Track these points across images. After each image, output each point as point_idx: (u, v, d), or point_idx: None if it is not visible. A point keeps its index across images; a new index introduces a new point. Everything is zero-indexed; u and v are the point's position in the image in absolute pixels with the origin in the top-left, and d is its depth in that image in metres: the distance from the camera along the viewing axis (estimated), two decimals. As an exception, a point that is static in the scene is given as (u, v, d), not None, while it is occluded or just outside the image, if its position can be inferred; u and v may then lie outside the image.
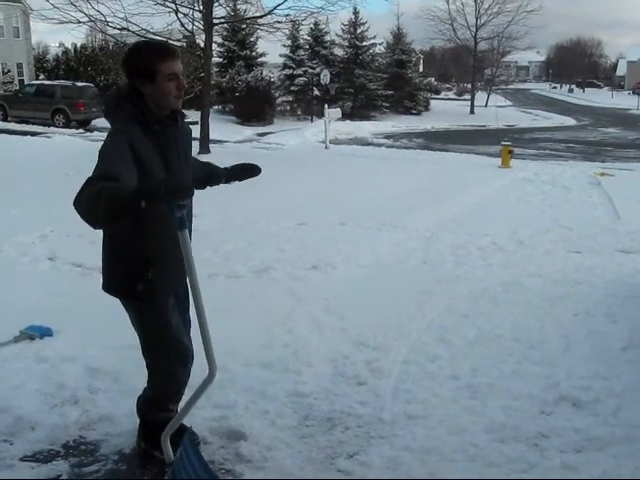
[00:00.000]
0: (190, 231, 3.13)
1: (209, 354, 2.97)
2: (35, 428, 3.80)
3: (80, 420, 3.89)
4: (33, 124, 27.28)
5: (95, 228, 2.76)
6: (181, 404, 3.43)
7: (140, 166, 2.90)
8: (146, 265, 3.15)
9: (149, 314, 3.28)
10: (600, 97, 76.10)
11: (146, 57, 3.04)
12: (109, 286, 3.30)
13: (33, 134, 23.32)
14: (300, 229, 9.42)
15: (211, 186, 3.76)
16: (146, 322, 3.31)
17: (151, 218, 2.94)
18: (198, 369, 3.22)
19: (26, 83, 34.58)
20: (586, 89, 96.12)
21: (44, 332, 5.05)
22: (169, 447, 3.13)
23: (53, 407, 4.04)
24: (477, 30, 47.33)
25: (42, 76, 40.01)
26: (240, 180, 3.84)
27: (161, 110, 3.07)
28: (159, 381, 3.47)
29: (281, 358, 4.82)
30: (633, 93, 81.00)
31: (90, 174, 2.77)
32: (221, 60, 37.74)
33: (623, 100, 69.69)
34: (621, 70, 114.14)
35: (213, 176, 3.72)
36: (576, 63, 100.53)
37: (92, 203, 2.63)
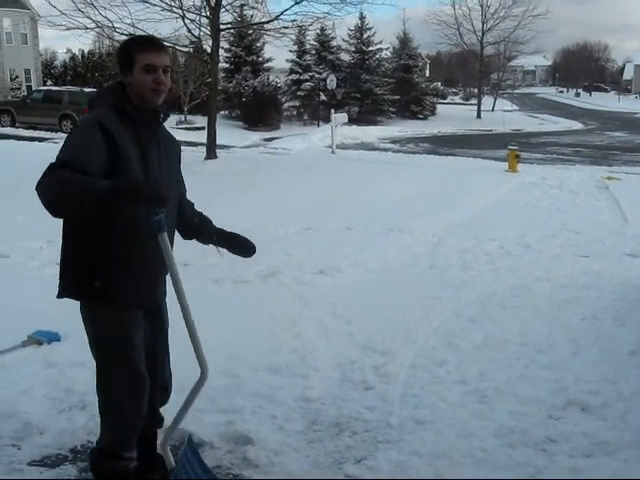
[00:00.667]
0: (172, 235, 3.07)
1: (199, 355, 2.96)
2: (43, 433, 3.79)
3: (88, 425, 3.88)
4: (41, 130, 27.41)
5: (56, 216, 2.71)
6: (175, 409, 3.25)
7: (116, 152, 2.81)
8: (107, 263, 2.94)
9: (106, 324, 3.01)
10: (607, 101, 75.99)
11: (127, 48, 3.03)
12: (64, 286, 3.04)
13: (41, 140, 23.44)
14: (307, 234, 9.43)
15: (198, 239, 3.52)
16: (101, 333, 3.05)
17: (119, 214, 2.81)
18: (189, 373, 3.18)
19: (34, 89, 34.80)
20: (593, 93, 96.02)
21: (52, 337, 5.06)
22: (169, 454, 3.14)
23: (61, 412, 4.05)
24: (483, 35, 47.32)
25: (50, 82, 40.19)
26: (230, 250, 3.49)
27: (141, 103, 2.98)
28: (108, 416, 3.15)
29: (289, 363, 4.81)
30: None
31: None
32: (228, 65, 37.89)
33: (630, 104, 69.62)
34: (628, 74, 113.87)
35: (204, 229, 3.47)
36: (583, 67, 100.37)
37: (56, 192, 2.59)
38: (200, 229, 3.46)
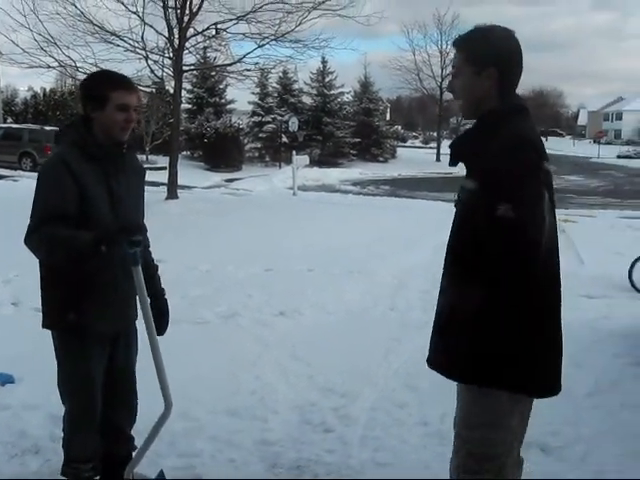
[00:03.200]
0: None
1: (164, 389, 3.01)
2: (-7, 479, 3.69)
3: (41, 470, 3.78)
4: (0, 167, 27.09)
5: (48, 263, 2.98)
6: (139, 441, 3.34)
7: (82, 190, 2.90)
8: (81, 295, 3.04)
9: (69, 352, 3.17)
10: (562, 145, 77.75)
11: (100, 83, 3.07)
12: (44, 318, 3.18)
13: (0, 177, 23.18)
14: (267, 275, 9.41)
15: None
16: (63, 359, 3.21)
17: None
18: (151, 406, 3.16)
19: (-7, 126, 34.39)
20: (549, 138, 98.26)
21: (6, 379, 4.94)
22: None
23: (13, 457, 3.93)
24: (442, 80, 48.20)
25: (10, 120, 39.83)
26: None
27: (106, 139, 3.03)
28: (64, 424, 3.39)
29: (247, 405, 4.76)
30: (594, 142, 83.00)
31: None
32: (190, 106, 38.03)
33: (584, 149, 71.46)
34: (582, 120, 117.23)
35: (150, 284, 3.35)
36: (539, 113, 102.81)
37: (45, 250, 2.82)
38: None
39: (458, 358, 2.55)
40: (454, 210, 2.65)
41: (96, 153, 2.99)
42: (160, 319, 3.36)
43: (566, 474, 3.89)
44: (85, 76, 3.30)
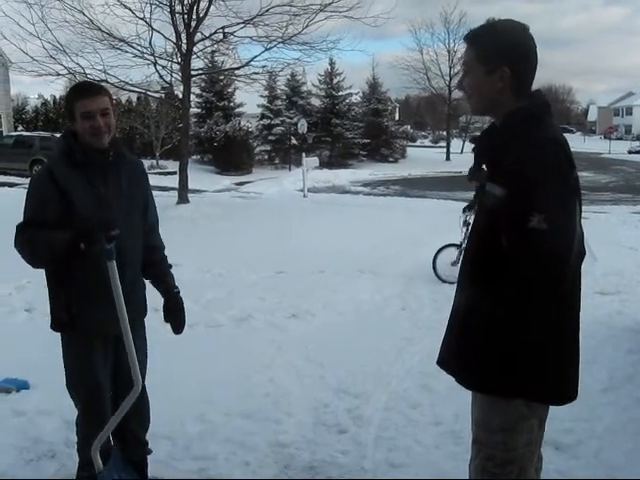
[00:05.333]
0: (123, 265, 3.09)
1: (132, 369, 3.11)
2: (11, 484, 3.72)
3: (57, 475, 3.81)
4: (11, 175, 27.24)
5: (37, 268, 3.15)
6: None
7: (67, 196, 3.04)
8: (72, 297, 3.17)
9: (71, 352, 3.29)
10: (573, 142, 74.91)
11: (68, 96, 3.25)
12: (51, 319, 3.32)
13: (11, 185, 23.27)
14: (279, 277, 9.43)
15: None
16: (67, 359, 3.32)
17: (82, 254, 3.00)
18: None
19: (5, 134, 34.58)
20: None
21: (20, 385, 4.98)
22: (99, 459, 3.22)
23: (29, 462, 3.96)
24: (451, 79, 48.05)
25: (21, 127, 40.05)
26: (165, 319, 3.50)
27: (88, 147, 3.13)
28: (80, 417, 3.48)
29: (261, 408, 4.78)
30: (604, 137, 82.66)
31: None
32: (199, 111, 38.08)
33: (595, 144, 71.12)
34: (592, 116, 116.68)
35: (158, 284, 3.53)
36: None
37: (28, 251, 3.00)
38: (154, 281, 3.54)
39: (477, 366, 2.50)
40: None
41: (81, 160, 3.12)
42: (174, 316, 3.43)
43: (580, 471, 3.88)
44: None
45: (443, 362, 2.72)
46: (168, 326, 3.44)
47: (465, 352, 2.55)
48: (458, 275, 2.73)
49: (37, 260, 3.08)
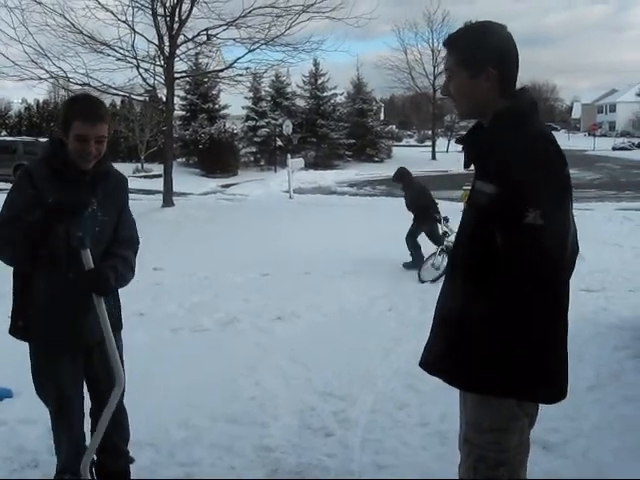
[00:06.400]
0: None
1: (114, 367, 3.06)
2: (-7, 494, 3.67)
3: (40, 484, 3.76)
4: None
5: (11, 265, 3.10)
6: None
7: (40, 199, 2.97)
8: (31, 304, 3.12)
9: (37, 362, 3.25)
10: (558, 139, 75.11)
11: (68, 109, 3.10)
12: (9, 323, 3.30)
13: (-6, 191, 23.12)
14: (265, 279, 9.41)
15: None
16: (32, 369, 3.28)
17: (43, 259, 2.99)
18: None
19: (-13, 140, 34.36)
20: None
21: (3, 394, 4.92)
22: (88, 473, 3.18)
23: (12, 472, 3.90)
24: (435, 78, 48.20)
25: (4, 132, 39.82)
26: None
27: (73, 163, 3.06)
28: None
29: (247, 411, 4.74)
30: (589, 135, 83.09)
31: None
32: (184, 113, 38.01)
33: (579, 142, 71.40)
34: (576, 113, 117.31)
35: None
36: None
37: (5, 243, 2.95)
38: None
39: (470, 366, 2.46)
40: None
41: (59, 170, 3.06)
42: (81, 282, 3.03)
43: (568, 470, 3.87)
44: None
45: (427, 363, 2.68)
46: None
47: (457, 352, 2.51)
48: (445, 276, 2.71)
49: (13, 251, 2.98)
